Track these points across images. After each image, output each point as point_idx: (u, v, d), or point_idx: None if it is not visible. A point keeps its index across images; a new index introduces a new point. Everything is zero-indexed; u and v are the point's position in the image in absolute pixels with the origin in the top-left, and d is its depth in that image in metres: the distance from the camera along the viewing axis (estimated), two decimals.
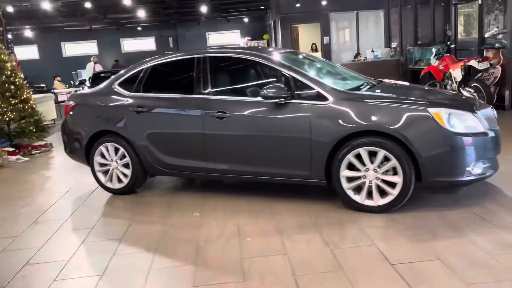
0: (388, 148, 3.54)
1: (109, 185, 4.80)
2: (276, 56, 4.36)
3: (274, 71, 4.19)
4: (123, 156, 4.63)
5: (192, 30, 20.89)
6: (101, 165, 4.77)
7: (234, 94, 4.36)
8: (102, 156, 4.74)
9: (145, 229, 3.80)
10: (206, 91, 4.27)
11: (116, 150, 4.66)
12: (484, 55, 8.78)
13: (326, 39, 14.44)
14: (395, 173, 3.58)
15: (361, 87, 4.20)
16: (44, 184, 5.65)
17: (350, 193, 3.75)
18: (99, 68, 15.47)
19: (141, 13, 16.44)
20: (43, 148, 7.95)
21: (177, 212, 4.15)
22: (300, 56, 4.87)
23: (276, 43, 16.27)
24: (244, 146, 4.11)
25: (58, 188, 5.36)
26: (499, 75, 8.23)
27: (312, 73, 4.16)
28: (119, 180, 4.74)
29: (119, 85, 4.76)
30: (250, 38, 19.23)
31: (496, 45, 8.96)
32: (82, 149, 4.83)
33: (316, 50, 15.77)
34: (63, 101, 13.95)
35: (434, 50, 9.51)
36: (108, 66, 19.17)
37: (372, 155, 3.64)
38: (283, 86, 3.88)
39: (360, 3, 14.19)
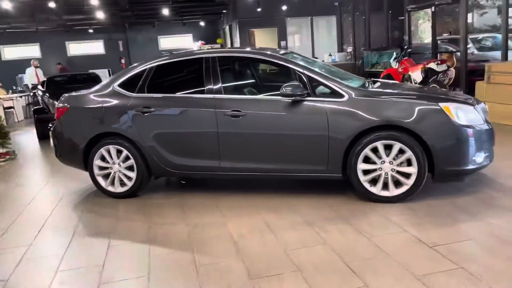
0: (404, 141, 3.78)
1: (110, 189, 4.65)
2: (283, 56, 4.47)
3: (288, 70, 4.30)
4: (126, 158, 4.51)
5: (144, 34, 20.45)
6: (101, 168, 4.61)
7: (248, 93, 4.42)
8: (102, 159, 4.58)
9: (169, 230, 3.75)
10: (217, 91, 4.29)
11: (118, 152, 4.54)
12: (438, 58, 9.50)
13: (283, 43, 14.78)
14: (409, 164, 3.83)
15: (366, 85, 4.43)
16: (32, 191, 5.34)
17: (367, 185, 3.95)
18: (40, 72, 14.38)
19: (95, 15, 15.84)
20: (7, 156, 7.45)
21: (192, 212, 4.12)
22: (301, 57, 5.04)
23: (233, 47, 16.40)
24: (260, 144, 4.17)
25: (49, 196, 5.10)
26: (453, 77, 8.95)
27: (323, 71, 4.32)
28: (122, 184, 4.61)
29: (120, 85, 4.63)
30: (203, 42, 19.18)
31: (450, 49, 9.73)
32: (78, 153, 4.64)
33: None
34: (9, 108, 13.06)
35: (395, 53, 10.12)
36: (52, 70, 18.15)
37: (386, 148, 3.86)
38: (300, 84, 4.00)
39: (314, 9, 14.70)
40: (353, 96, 3.94)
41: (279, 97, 4.06)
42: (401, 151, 3.82)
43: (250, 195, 4.41)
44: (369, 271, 2.79)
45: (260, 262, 3.02)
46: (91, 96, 4.74)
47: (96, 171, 4.64)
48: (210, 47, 18.28)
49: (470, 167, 3.88)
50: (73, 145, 4.71)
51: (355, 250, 3.09)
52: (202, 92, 4.35)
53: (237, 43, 15.29)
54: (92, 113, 4.61)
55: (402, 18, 11.44)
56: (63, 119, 4.76)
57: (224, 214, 4.00)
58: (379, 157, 3.88)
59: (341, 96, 3.96)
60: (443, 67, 8.71)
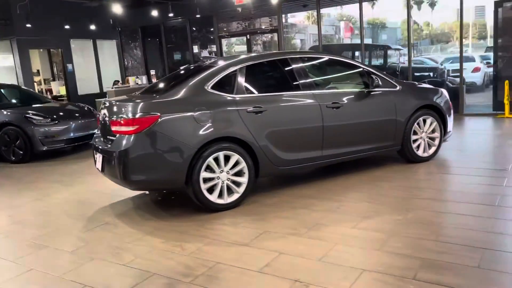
0: (433, 115, 5.46)
1: (219, 201, 4.22)
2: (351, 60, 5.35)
3: (357, 68, 5.20)
4: (235, 164, 4.26)
5: None
6: (205, 180, 4.14)
7: (336, 87, 5.06)
8: (208, 169, 4.13)
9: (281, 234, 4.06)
10: (311, 86, 4.74)
11: (226, 158, 4.22)
12: None
13: (69, 66, 13.48)
14: (433, 131, 5.53)
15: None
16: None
17: (416, 151, 5.40)
18: None
19: None
20: None
21: (302, 210, 4.26)
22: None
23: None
24: (353, 129, 4.92)
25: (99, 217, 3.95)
26: None
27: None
28: (230, 193, 4.27)
29: (213, 88, 4.29)
30: None
31: None
32: (181, 167, 4.00)
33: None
34: None
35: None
36: None
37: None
38: (376, 78, 5.06)
39: (96, 31, 14.13)
40: (400, 86, 5.31)
41: (360, 89, 5.00)
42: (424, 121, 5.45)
43: (336, 185, 5.03)
44: None
45: (454, 244, 4.04)
46: (184, 101, 4.15)
47: (202, 184, 4.10)
48: None
49: None
50: (172, 159, 3.97)
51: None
52: (297, 88, 4.68)
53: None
54: (196, 119, 4.06)
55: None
56: (156, 129, 3.92)
57: (342, 205, 4.55)
58: (420, 128, 5.39)
59: (395, 86, 5.27)
60: None
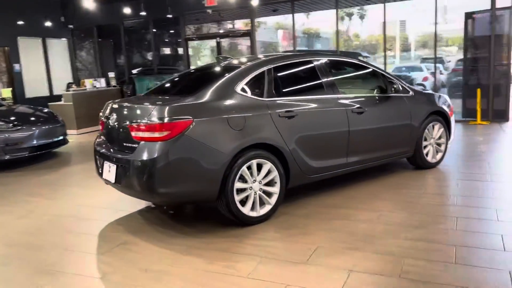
0: (440, 121, 5.47)
1: (252, 214, 3.87)
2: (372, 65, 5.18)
3: (376, 72, 5.07)
4: (268, 173, 3.94)
5: None
6: (238, 192, 3.77)
7: (358, 91, 4.89)
8: (240, 179, 3.77)
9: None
10: (335, 91, 4.53)
11: (258, 167, 3.89)
12: None
13: (17, 66, 12.28)
14: (440, 136, 5.54)
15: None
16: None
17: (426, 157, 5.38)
18: None
19: None
20: None
21: (342, 221, 4.17)
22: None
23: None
24: (376, 135, 4.78)
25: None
26: None
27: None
28: (261, 204, 3.94)
29: (243, 90, 3.94)
30: None
31: None
32: (215, 179, 3.62)
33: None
34: None
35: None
36: None
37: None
38: (398, 82, 4.97)
39: (45, 29, 13.03)
40: (413, 92, 5.27)
41: (381, 94, 4.88)
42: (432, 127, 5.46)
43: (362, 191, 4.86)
44: None
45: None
46: (215, 104, 3.74)
47: (235, 196, 3.73)
48: None
49: None
50: (206, 168, 3.57)
51: None
52: (324, 92, 4.45)
53: None
54: (230, 123, 3.68)
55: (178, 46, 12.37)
56: (189, 135, 3.49)
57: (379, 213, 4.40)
58: (429, 135, 5.38)
59: (408, 92, 5.21)
60: None
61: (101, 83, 12.38)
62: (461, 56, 10.08)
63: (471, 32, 9.33)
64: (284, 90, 4.27)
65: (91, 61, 13.97)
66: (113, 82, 12.64)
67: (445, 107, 5.52)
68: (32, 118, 7.75)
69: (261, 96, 4.03)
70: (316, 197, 4.55)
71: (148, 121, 3.53)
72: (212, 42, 11.91)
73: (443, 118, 5.49)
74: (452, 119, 5.67)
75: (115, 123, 3.96)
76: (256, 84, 4.06)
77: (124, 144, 3.79)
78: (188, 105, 3.67)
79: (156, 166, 3.46)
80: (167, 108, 3.56)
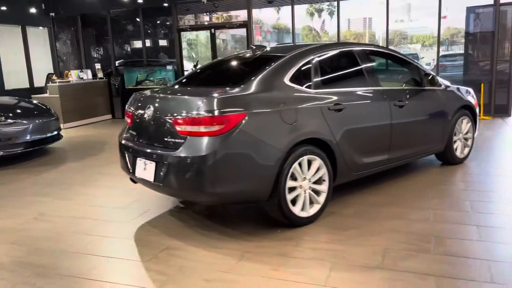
0: (468, 115, 5.34)
1: (303, 214, 3.60)
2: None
3: (413, 64, 4.86)
4: (317, 170, 3.67)
5: None
6: (289, 190, 3.50)
7: (397, 84, 4.68)
8: (291, 177, 3.49)
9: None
10: (378, 82, 4.31)
11: (308, 163, 3.62)
12: None
13: None
14: (467, 132, 5.42)
15: None
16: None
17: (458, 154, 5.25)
18: None
19: None
20: None
21: (398, 221, 4.02)
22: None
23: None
24: (414, 130, 4.60)
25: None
26: None
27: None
28: (310, 204, 3.67)
29: (291, 81, 3.65)
30: None
31: None
32: (269, 177, 3.32)
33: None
34: None
35: (192, 68, 10.52)
36: None
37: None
38: (433, 75, 4.80)
39: (25, 16, 12.25)
40: (443, 85, 5.11)
41: (419, 87, 4.70)
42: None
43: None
44: None
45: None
46: (266, 95, 3.43)
47: (287, 195, 3.45)
48: None
49: None
50: (261, 164, 3.26)
51: None
52: (367, 84, 4.22)
53: None
54: (282, 117, 3.39)
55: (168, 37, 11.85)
56: (243, 129, 3.18)
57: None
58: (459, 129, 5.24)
59: (440, 85, 5.05)
60: None
61: (87, 75, 11.78)
62: (443, 52, 10.05)
63: (472, 27, 9.32)
64: (329, 82, 4.00)
65: (75, 52, 13.25)
66: (100, 74, 12.03)
67: (472, 100, 5.40)
68: (25, 112, 7.18)
69: (309, 88, 3.75)
70: (359, 195, 4.31)
71: (198, 114, 3.19)
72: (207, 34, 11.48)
73: (470, 112, 5.38)
74: (477, 112, 5.57)
75: (151, 116, 3.58)
76: (303, 75, 3.77)
77: (165, 139, 3.42)
78: (239, 96, 3.35)
79: (207, 164, 3.13)
80: (216, 100, 3.22)
